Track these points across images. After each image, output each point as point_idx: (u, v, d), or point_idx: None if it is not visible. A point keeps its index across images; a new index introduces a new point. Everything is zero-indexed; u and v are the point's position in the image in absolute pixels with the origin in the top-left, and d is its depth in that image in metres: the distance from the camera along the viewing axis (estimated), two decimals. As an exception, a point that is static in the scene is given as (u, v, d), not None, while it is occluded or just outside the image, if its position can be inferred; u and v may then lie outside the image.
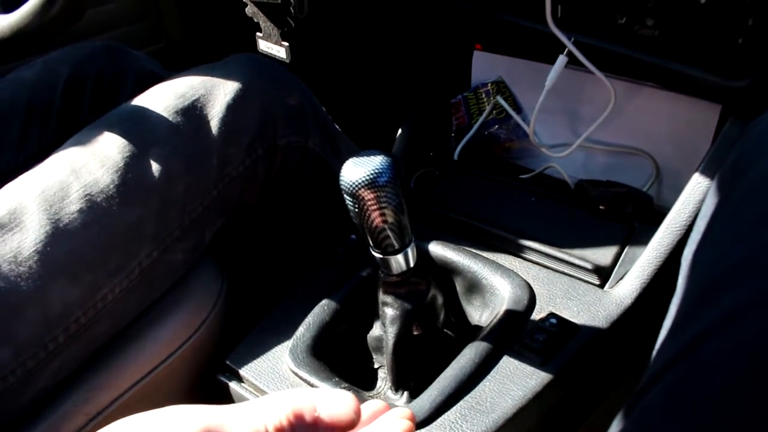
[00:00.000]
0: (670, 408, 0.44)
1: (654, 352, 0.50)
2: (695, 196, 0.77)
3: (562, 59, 0.89)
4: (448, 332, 0.79)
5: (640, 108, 0.94)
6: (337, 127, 1.01)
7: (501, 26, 0.97)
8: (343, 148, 0.97)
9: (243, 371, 0.74)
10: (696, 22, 0.78)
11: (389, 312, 0.69)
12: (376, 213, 0.62)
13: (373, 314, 0.76)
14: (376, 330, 0.75)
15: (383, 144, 1.06)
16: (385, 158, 0.61)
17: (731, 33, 0.76)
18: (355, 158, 0.62)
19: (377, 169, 0.60)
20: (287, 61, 1.01)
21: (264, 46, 1.03)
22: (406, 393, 0.71)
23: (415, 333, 0.72)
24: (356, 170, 0.60)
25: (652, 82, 0.91)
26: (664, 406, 0.45)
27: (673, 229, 0.76)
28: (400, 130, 1.05)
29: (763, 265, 0.45)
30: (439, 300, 0.75)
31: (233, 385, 0.75)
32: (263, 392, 0.71)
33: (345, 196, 0.62)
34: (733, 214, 0.52)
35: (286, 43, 1.00)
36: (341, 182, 0.61)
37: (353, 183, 0.60)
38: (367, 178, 0.60)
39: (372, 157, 0.61)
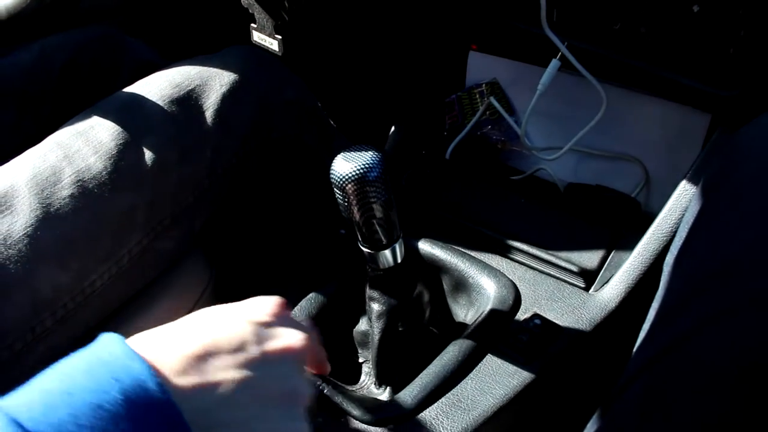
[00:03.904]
0: (646, 408, 0.45)
1: (633, 354, 0.51)
2: (681, 203, 0.78)
3: (555, 63, 0.90)
4: (433, 329, 0.80)
5: (632, 114, 0.95)
6: (333, 123, 1.01)
7: (497, 28, 0.98)
8: (336, 144, 0.97)
9: (228, 361, 0.75)
10: (689, 31, 0.79)
11: (375, 307, 0.70)
12: (365, 207, 0.62)
13: (359, 309, 0.76)
14: (362, 325, 0.76)
15: (376, 141, 1.07)
16: (375, 153, 0.62)
17: (723, 43, 0.77)
18: (345, 153, 0.62)
19: (367, 164, 0.61)
20: (279, 54, 1.02)
21: (257, 37, 1.03)
22: (389, 388, 0.72)
23: (400, 329, 0.73)
24: (346, 165, 0.61)
25: (644, 88, 0.92)
26: (641, 406, 0.45)
27: (659, 235, 0.77)
28: (393, 128, 1.05)
29: (736, 273, 0.46)
30: (426, 297, 0.75)
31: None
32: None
33: (335, 189, 0.62)
34: (713, 222, 0.53)
35: (279, 36, 1.01)
36: (332, 176, 0.62)
37: (343, 177, 0.61)
38: (357, 172, 0.60)
39: (362, 152, 0.62)
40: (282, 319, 0.48)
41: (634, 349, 0.51)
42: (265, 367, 0.44)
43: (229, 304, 0.49)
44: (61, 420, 0.34)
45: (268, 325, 0.46)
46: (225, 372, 0.41)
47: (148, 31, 1.32)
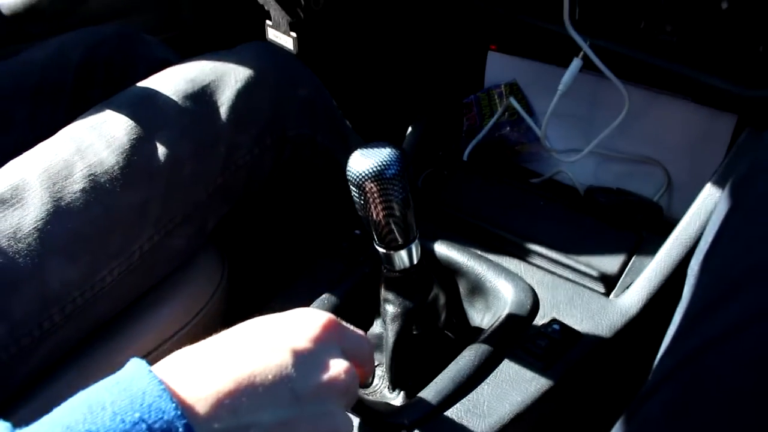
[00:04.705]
0: (671, 417, 0.43)
1: (656, 361, 0.49)
2: (706, 207, 0.75)
3: (576, 62, 0.88)
4: (449, 333, 0.78)
5: (654, 116, 0.93)
6: (348, 122, 1.00)
7: (517, 27, 0.96)
8: (352, 143, 0.96)
9: (239, 361, 0.73)
10: (716, 28, 0.77)
11: (390, 309, 0.68)
12: (382, 206, 0.61)
13: (373, 311, 0.75)
14: (376, 327, 0.74)
15: (392, 141, 1.05)
16: (394, 151, 0.60)
17: (752, 40, 0.75)
18: (362, 149, 0.61)
19: (385, 161, 0.59)
20: (294, 52, 1.01)
21: (272, 35, 1.02)
22: (402, 393, 0.70)
23: (414, 332, 0.71)
24: (363, 161, 0.59)
25: (667, 90, 0.90)
26: (666, 416, 0.43)
27: (683, 240, 0.75)
28: (410, 128, 1.04)
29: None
30: (441, 300, 0.73)
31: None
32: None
33: (351, 187, 0.61)
34: (743, 224, 0.51)
35: (294, 34, 1.00)
36: (348, 173, 0.60)
37: (360, 174, 0.59)
38: (374, 169, 0.59)
39: (380, 149, 0.60)
40: (326, 346, 0.44)
41: (659, 355, 0.49)
42: (303, 406, 0.41)
43: (270, 319, 0.45)
44: None
45: (310, 353, 0.42)
46: (258, 413, 0.39)
47: (164, 29, 1.32)
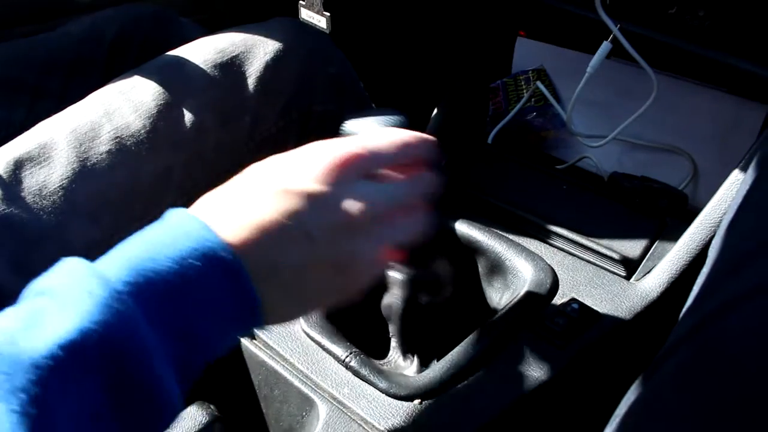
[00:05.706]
0: (684, 381, 0.42)
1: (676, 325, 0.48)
2: (732, 193, 0.74)
3: (606, 45, 0.87)
4: (465, 313, 0.78)
5: (682, 105, 0.92)
6: (372, 103, 1.00)
7: (546, 12, 0.95)
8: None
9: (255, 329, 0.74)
10: (751, 13, 0.76)
11: (397, 276, 0.70)
12: None
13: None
14: (387, 297, 0.74)
15: (418, 123, 1.05)
16: (399, 118, 0.61)
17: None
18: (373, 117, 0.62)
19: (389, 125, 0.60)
20: (327, 32, 1.01)
21: (305, 14, 1.03)
22: (416, 363, 0.70)
23: (422, 302, 0.72)
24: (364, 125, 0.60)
25: (697, 77, 0.89)
26: (678, 379, 0.43)
27: (707, 225, 0.74)
28: (435, 110, 1.04)
29: None
30: (447, 270, 0.74)
31: (245, 342, 0.74)
32: (274, 350, 0.71)
33: None
34: (761, 200, 0.50)
35: (328, 13, 1.00)
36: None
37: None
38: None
39: (388, 117, 0.62)
40: (340, 183, 0.45)
41: (680, 318, 0.49)
42: (319, 246, 0.44)
43: (282, 161, 0.49)
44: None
45: (322, 194, 0.44)
46: (281, 253, 0.43)
47: (195, 11, 1.33)
